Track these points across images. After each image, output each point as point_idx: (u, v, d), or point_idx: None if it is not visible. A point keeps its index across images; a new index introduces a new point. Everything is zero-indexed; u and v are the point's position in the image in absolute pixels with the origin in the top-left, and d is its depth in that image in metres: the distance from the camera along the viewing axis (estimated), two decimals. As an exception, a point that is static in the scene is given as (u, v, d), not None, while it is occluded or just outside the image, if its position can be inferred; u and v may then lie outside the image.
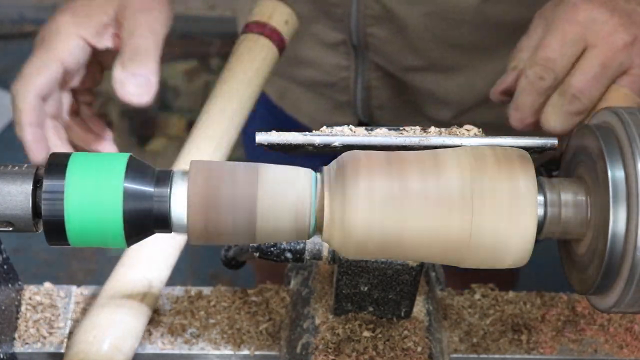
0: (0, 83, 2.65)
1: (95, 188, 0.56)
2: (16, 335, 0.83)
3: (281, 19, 0.97)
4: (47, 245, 0.58)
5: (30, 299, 0.86)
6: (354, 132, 0.63)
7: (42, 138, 0.81)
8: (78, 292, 0.87)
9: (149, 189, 0.57)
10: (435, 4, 1.02)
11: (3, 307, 0.80)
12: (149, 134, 2.61)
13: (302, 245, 0.74)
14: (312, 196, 0.58)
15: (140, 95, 0.78)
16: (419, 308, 0.79)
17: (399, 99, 1.17)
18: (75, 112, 0.87)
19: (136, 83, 0.78)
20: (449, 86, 1.12)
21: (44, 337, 0.83)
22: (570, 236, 0.61)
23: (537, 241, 0.59)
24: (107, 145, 0.88)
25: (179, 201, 0.57)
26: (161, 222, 0.58)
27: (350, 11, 1.07)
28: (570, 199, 0.60)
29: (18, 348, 0.83)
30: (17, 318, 0.85)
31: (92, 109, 0.89)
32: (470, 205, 0.57)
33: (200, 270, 2.20)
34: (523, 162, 0.58)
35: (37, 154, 0.81)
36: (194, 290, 0.88)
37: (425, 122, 1.17)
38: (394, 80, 1.14)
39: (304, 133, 0.63)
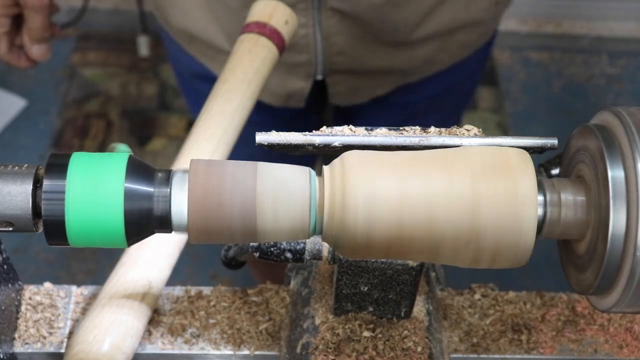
0: (0, 83, 2.65)
1: (95, 188, 0.56)
2: (16, 335, 0.83)
3: (281, 19, 0.97)
4: (47, 245, 0.58)
5: (30, 299, 0.86)
6: (354, 132, 0.63)
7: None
8: (78, 292, 0.87)
9: (149, 188, 0.57)
10: None
11: (3, 307, 0.80)
12: (149, 134, 2.61)
13: (302, 245, 0.74)
14: (312, 196, 0.58)
15: (42, 56, 1.05)
16: (419, 308, 0.79)
17: (357, 38, 1.19)
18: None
19: (37, 48, 1.04)
20: (403, 4, 1.14)
21: (44, 337, 0.83)
22: (570, 236, 0.61)
23: (537, 241, 0.59)
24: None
25: (179, 201, 0.57)
26: (162, 221, 0.58)
27: None
28: (570, 199, 0.60)
29: (18, 348, 0.83)
30: (17, 318, 0.85)
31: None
32: (470, 205, 0.57)
33: (200, 270, 2.20)
34: (523, 162, 0.58)
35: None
36: (194, 290, 0.88)
37: (382, 50, 1.21)
38: (352, 20, 1.16)
39: (304, 133, 0.63)
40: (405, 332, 0.77)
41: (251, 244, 0.74)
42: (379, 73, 1.27)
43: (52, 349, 0.83)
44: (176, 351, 0.83)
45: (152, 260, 0.84)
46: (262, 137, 0.63)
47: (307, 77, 1.24)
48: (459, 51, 1.29)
